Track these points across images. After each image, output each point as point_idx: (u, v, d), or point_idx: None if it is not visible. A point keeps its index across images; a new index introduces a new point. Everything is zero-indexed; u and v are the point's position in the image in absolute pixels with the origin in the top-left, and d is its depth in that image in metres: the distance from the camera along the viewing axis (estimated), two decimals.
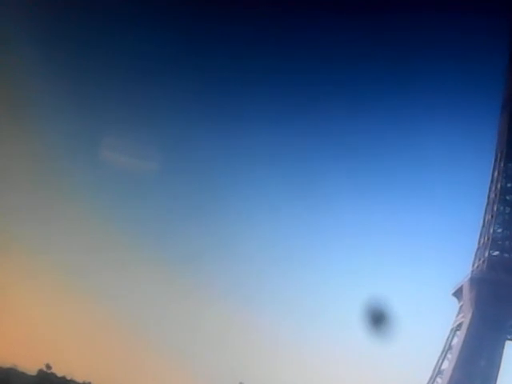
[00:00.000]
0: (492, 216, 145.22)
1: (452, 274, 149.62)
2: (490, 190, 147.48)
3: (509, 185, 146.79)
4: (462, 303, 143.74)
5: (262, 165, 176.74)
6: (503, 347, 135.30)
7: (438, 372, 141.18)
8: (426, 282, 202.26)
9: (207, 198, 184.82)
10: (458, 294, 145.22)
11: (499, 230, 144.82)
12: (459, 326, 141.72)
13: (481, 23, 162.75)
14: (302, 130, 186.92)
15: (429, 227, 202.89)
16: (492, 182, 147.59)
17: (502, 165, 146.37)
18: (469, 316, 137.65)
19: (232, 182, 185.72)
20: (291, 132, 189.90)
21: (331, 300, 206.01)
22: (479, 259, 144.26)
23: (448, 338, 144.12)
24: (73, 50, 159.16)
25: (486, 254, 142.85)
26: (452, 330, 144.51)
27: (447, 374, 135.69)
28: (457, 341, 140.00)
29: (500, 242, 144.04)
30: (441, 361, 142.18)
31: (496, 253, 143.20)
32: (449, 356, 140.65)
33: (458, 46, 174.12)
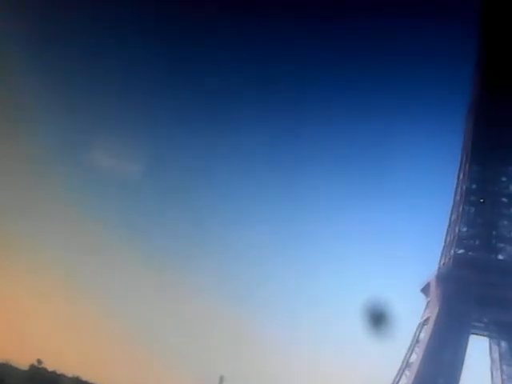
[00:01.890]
0: (457, 216, 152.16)
1: (424, 272, 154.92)
2: (455, 192, 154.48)
3: (473, 186, 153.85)
4: (429, 299, 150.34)
5: (256, 164, 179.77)
6: (467, 341, 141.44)
7: (406, 365, 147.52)
8: (400, 280, 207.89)
9: (200, 199, 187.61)
10: (425, 290, 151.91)
11: (464, 229, 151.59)
12: (426, 320, 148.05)
13: (448, 30, 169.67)
14: (295, 130, 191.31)
15: (402, 228, 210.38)
16: (458, 183, 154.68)
17: (467, 167, 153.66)
18: (435, 311, 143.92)
19: (230, 182, 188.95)
20: (286, 133, 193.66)
21: (320, 300, 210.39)
22: (445, 257, 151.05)
23: (416, 332, 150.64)
24: (69, 53, 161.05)
25: (452, 252, 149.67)
26: (420, 324, 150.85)
27: (415, 367, 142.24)
28: (424, 335, 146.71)
29: (465, 241, 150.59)
30: (409, 354, 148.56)
31: (461, 251, 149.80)
32: (416, 349, 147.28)
33: (426, 51, 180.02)
